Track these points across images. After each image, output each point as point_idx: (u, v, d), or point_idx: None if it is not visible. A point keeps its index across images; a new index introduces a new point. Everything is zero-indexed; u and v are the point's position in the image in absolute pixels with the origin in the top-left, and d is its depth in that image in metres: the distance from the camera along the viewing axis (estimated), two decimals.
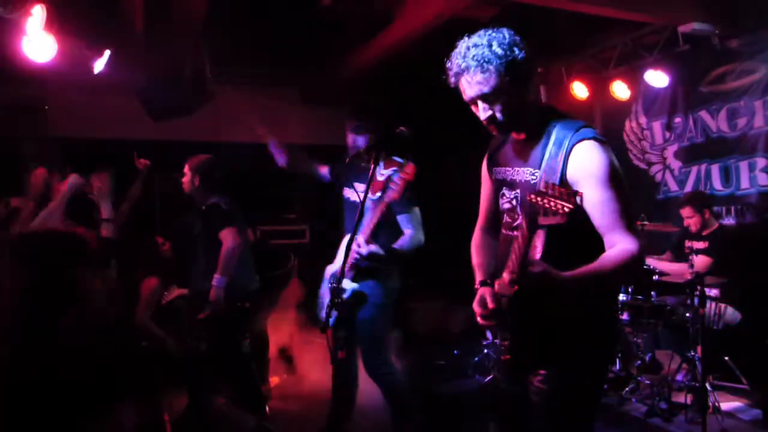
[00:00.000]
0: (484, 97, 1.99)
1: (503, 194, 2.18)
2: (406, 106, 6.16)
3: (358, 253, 3.32)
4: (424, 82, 6.73)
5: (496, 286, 1.89)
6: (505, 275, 1.82)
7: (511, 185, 2.13)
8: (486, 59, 1.93)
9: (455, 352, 5.48)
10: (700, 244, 4.83)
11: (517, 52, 1.94)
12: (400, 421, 3.64)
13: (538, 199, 1.69)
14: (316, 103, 7.77)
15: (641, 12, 5.20)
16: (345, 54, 6.56)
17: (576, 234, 1.90)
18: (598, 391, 2.18)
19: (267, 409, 4.09)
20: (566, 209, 1.63)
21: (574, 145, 1.93)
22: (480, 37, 1.98)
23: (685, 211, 4.90)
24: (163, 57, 4.37)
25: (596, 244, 1.95)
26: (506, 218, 2.19)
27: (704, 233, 4.86)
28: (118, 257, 3.84)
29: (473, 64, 1.95)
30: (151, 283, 4.46)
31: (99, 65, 4.01)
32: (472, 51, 1.96)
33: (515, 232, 2.01)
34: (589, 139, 1.93)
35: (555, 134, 1.98)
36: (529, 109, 2.04)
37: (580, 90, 6.60)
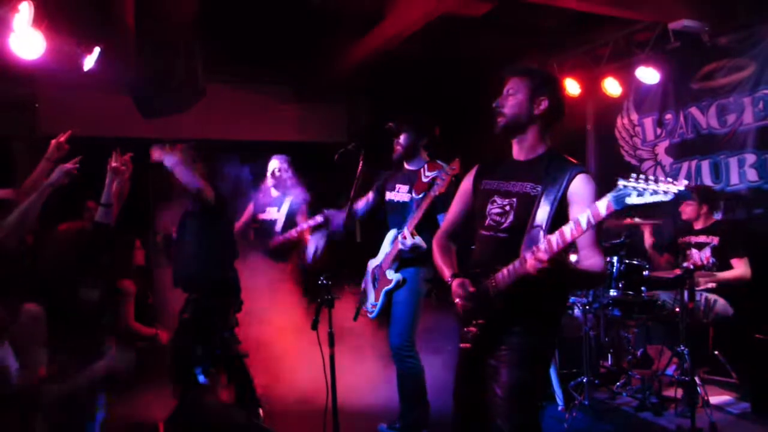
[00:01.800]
0: (507, 91, 2.52)
1: (494, 201, 2.51)
2: (399, 102, 6.17)
3: (403, 244, 3.65)
4: (417, 77, 6.79)
5: (530, 260, 2.18)
6: (542, 254, 2.14)
7: (506, 194, 2.48)
8: (530, 73, 2.50)
9: (448, 348, 5.48)
10: (700, 238, 4.86)
11: (552, 92, 2.47)
12: (409, 409, 3.78)
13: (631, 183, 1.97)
14: (310, 100, 7.76)
15: (633, 9, 5.22)
16: (338, 51, 6.56)
17: None
18: (549, 355, 2.63)
19: (261, 405, 4.08)
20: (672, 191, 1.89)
21: (576, 174, 2.34)
22: (543, 68, 2.64)
23: (689, 206, 4.90)
24: (155, 54, 4.35)
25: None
26: (490, 221, 2.49)
27: (700, 227, 4.89)
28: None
29: (522, 71, 2.51)
30: (128, 285, 4.46)
31: (89, 62, 3.99)
32: (531, 66, 2.55)
33: (499, 234, 2.44)
34: (586, 173, 2.37)
35: (555, 163, 2.41)
36: (534, 134, 2.48)
37: (572, 86, 6.62)
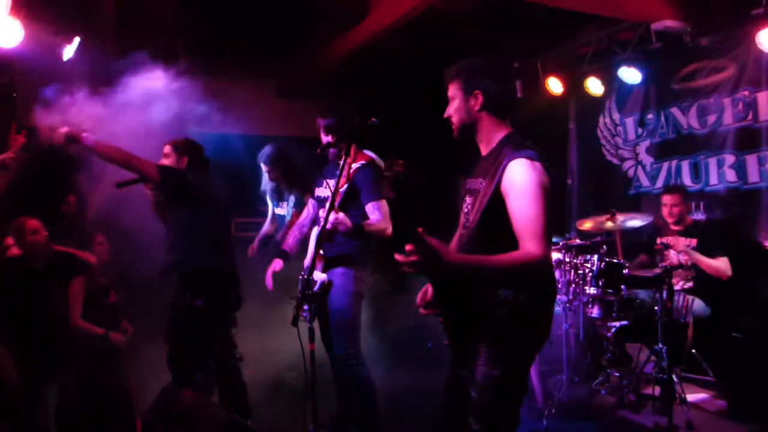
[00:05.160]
0: (449, 98, 2.50)
1: (464, 200, 2.54)
2: (382, 98, 6.16)
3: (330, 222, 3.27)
4: (401, 73, 6.78)
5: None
6: (407, 246, 2.05)
7: (470, 192, 2.50)
8: (457, 74, 2.45)
9: (429, 345, 5.50)
10: (678, 240, 4.89)
11: (482, 82, 2.39)
12: (362, 419, 3.59)
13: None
14: (293, 95, 7.72)
15: (615, 9, 5.25)
16: (321, 46, 6.53)
17: (497, 237, 2.25)
18: (525, 355, 2.41)
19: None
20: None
21: (508, 162, 2.26)
22: (470, 59, 2.46)
23: (672, 198, 4.90)
24: (135, 45, 4.29)
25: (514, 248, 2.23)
26: (462, 219, 2.55)
27: (679, 228, 4.93)
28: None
29: (451, 74, 2.47)
30: (79, 283, 4.38)
31: (68, 52, 3.93)
32: (458, 65, 2.46)
33: (465, 231, 2.44)
34: (522, 158, 2.25)
35: (504, 153, 2.32)
36: (485, 128, 2.45)
37: (555, 85, 6.65)
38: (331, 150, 3.64)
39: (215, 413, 3.10)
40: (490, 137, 2.45)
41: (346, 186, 3.38)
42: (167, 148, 3.95)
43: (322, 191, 3.74)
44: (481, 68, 2.43)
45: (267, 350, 4.68)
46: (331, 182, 3.38)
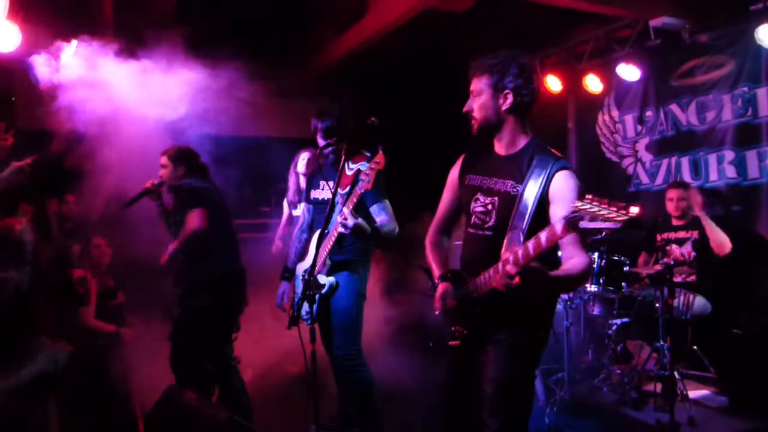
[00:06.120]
0: (471, 92, 2.43)
1: (477, 198, 2.46)
2: (381, 97, 6.16)
3: (344, 226, 3.21)
4: (399, 72, 6.77)
5: (498, 275, 2.10)
6: (509, 268, 2.02)
7: (489, 192, 2.42)
8: (488, 69, 2.38)
9: (429, 344, 5.50)
10: (679, 234, 4.90)
11: (514, 82, 2.34)
12: (363, 419, 3.57)
13: (586, 205, 1.82)
14: (292, 96, 7.72)
15: (613, 6, 5.25)
16: (320, 46, 6.53)
17: None
18: (538, 353, 2.47)
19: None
20: (621, 219, 1.79)
21: (556, 172, 2.27)
22: (501, 55, 2.39)
23: (679, 193, 4.90)
24: (133, 46, 4.30)
25: (554, 253, 2.27)
26: (476, 219, 2.46)
27: (682, 223, 4.92)
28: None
29: (480, 68, 2.40)
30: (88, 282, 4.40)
31: (67, 55, 3.93)
32: (488, 60, 2.39)
33: (485, 232, 2.40)
34: (567, 169, 2.30)
35: (537, 160, 2.33)
36: (510, 129, 2.41)
37: (554, 83, 6.66)
38: (330, 154, 3.62)
39: (215, 413, 3.10)
40: (513, 139, 2.41)
41: (348, 188, 3.28)
42: (163, 159, 3.97)
43: (320, 193, 3.71)
44: (513, 66, 2.35)
45: (267, 350, 4.69)
46: (331, 185, 3.34)
